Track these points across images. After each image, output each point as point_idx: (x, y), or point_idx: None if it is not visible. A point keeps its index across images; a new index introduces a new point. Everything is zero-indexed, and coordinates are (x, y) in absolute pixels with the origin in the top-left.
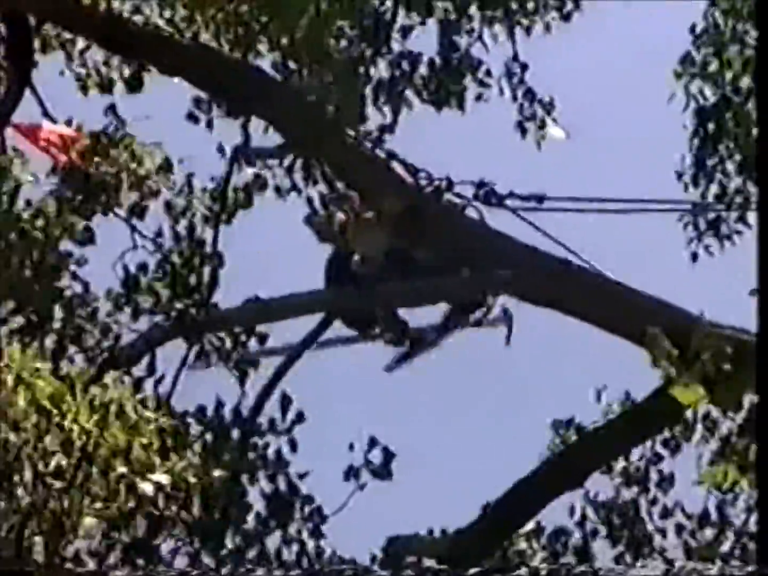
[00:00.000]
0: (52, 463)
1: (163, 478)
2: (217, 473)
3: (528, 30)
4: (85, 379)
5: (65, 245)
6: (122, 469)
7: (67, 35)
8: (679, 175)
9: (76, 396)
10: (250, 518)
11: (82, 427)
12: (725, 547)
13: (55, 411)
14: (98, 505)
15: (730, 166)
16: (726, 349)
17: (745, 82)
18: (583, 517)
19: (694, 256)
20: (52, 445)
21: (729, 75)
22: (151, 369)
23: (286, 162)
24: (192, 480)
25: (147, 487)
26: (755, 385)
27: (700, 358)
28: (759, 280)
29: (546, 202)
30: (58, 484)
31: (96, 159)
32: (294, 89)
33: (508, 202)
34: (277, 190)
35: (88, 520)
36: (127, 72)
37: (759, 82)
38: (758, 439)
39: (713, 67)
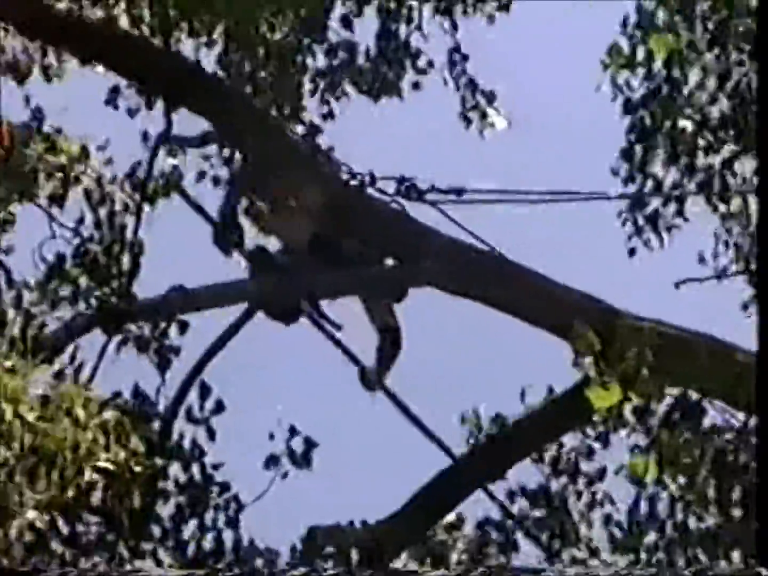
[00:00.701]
0: None
1: (108, 465)
2: (159, 461)
3: (465, 15)
4: (29, 372)
5: None
6: (68, 457)
7: None
8: (615, 172)
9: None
10: (167, 508)
11: (25, 420)
12: (650, 539)
13: (5, 407)
14: (42, 496)
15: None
16: (648, 344)
17: (675, 72)
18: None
19: (632, 251)
20: None
21: (657, 65)
22: (72, 358)
23: (224, 152)
24: (137, 469)
25: (93, 476)
26: (755, 394)
27: (622, 355)
28: (759, 285)
29: (468, 195)
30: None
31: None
32: (218, 78)
33: (430, 196)
34: (215, 181)
35: (31, 513)
36: (45, 60)
37: (759, 79)
38: (758, 437)
39: (641, 57)
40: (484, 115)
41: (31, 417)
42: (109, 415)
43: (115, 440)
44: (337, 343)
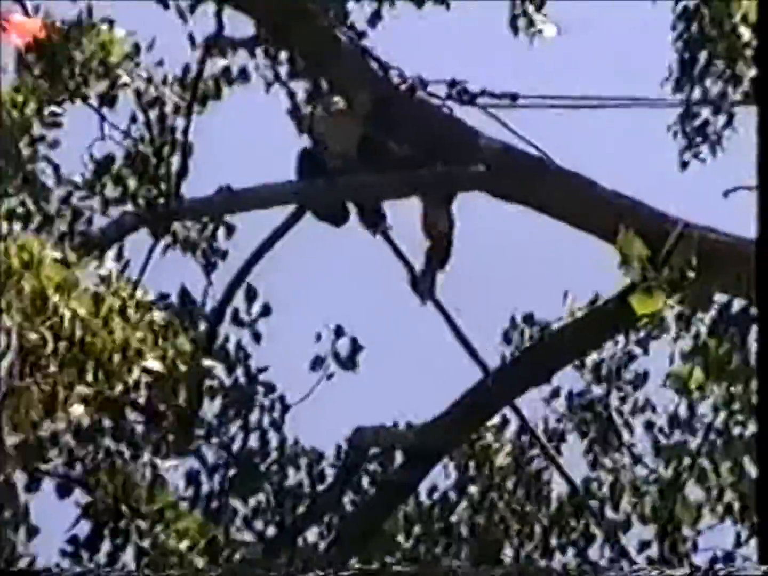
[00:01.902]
0: (48, 348)
1: (156, 365)
2: (207, 362)
3: None
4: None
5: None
6: (117, 355)
7: None
8: (664, 79)
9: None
10: (213, 408)
11: (77, 314)
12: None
13: (57, 298)
14: (89, 391)
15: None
16: (695, 249)
17: None
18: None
19: (684, 164)
20: (46, 329)
21: None
22: (119, 256)
23: (271, 53)
24: (182, 368)
25: (140, 374)
26: (757, 376)
27: (669, 261)
28: (757, 277)
29: (521, 101)
30: (51, 368)
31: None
32: None
33: (481, 100)
34: (268, 85)
35: (76, 407)
36: None
37: (759, 79)
38: (758, 436)
39: None
40: (531, 23)
41: (82, 311)
42: (157, 314)
43: (163, 339)
44: (394, 247)
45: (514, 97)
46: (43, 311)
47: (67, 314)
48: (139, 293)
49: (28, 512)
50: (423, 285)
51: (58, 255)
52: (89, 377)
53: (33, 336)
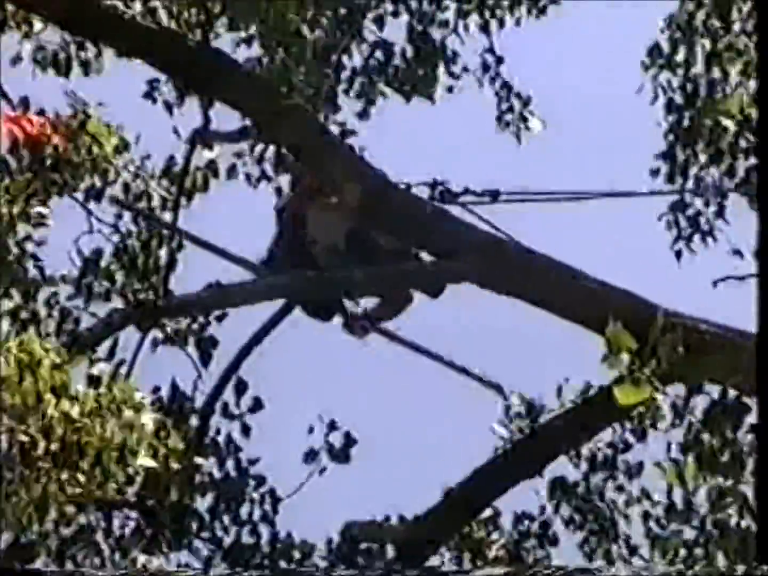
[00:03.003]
0: (39, 449)
1: (150, 462)
2: (200, 459)
3: (501, 23)
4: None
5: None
6: (111, 455)
7: (24, 15)
8: (655, 172)
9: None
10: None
11: (68, 416)
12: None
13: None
14: (80, 490)
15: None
16: (680, 342)
17: (715, 74)
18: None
19: (678, 254)
20: (37, 430)
21: (697, 67)
22: (112, 353)
23: (257, 150)
24: (175, 465)
25: (132, 472)
26: (755, 389)
27: (656, 352)
28: (759, 282)
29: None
30: (44, 466)
31: (53, 142)
32: (254, 72)
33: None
34: (247, 177)
35: (69, 508)
36: (84, 54)
37: (759, 81)
38: (758, 439)
39: (680, 57)
40: (524, 118)
41: (74, 413)
42: (150, 416)
43: (156, 438)
44: None
45: (494, 194)
46: (35, 412)
47: (57, 415)
48: (133, 394)
49: None
50: (358, 323)
51: (57, 359)
52: (81, 478)
53: (24, 438)
